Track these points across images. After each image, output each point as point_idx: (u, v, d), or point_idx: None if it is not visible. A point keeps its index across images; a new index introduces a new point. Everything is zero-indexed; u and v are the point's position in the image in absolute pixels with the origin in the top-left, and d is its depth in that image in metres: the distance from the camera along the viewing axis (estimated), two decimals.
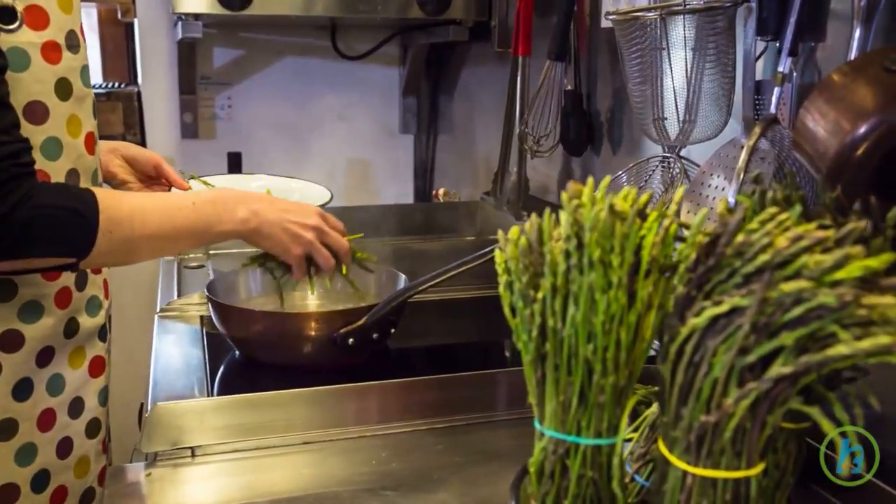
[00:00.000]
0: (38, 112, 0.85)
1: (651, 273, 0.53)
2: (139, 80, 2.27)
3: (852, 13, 0.80)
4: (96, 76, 2.43)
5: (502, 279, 0.57)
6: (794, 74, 0.91)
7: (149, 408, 0.90)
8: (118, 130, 2.19)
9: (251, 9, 1.78)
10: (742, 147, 0.94)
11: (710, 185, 1.00)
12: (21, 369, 0.89)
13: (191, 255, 1.58)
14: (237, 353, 1.15)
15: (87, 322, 0.96)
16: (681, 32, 1.03)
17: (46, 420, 0.93)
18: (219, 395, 1.02)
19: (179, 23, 1.87)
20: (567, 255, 0.53)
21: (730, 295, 0.48)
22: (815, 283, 0.46)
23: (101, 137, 0.99)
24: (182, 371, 1.07)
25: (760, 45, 0.97)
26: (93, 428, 0.99)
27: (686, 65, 1.04)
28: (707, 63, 1.02)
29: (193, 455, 0.88)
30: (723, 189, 0.98)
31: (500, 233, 0.59)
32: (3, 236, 0.78)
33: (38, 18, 0.84)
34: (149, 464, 0.86)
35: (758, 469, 0.51)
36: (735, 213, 0.51)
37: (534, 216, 0.56)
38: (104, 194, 0.85)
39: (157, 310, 1.29)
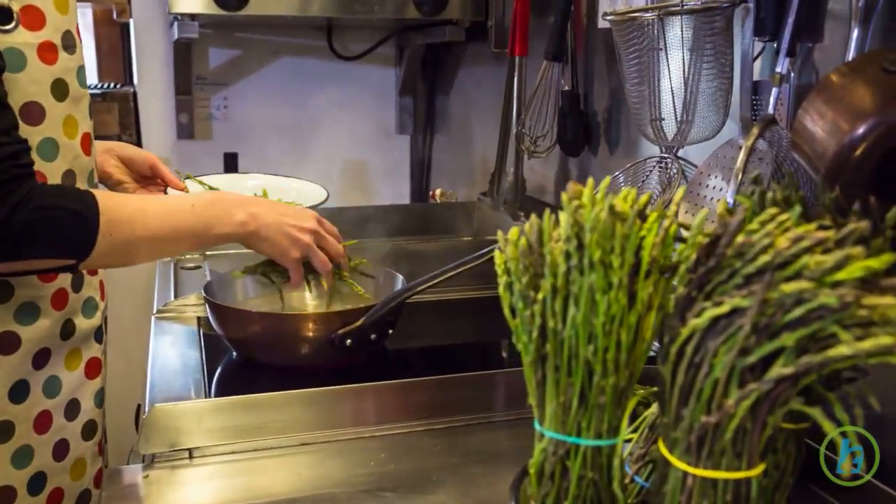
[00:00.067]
0: (34, 113, 0.85)
1: (651, 274, 0.53)
2: (135, 80, 2.26)
3: (850, 14, 0.80)
4: (91, 77, 2.42)
5: (502, 280, 0.56)
6: (792, 75, 0.91)
7: (146, 409, 0.90)
8: (114, 131, 2.18)
9: (247, 9, 1.77)
10: (740, 147, 0.94)
11: (707, 186, 1.00)
12: (17, 371, 0.89)
13: (187, 257, 1.58)
14: (234, 354, 1.15)
15: (83, 324, 0.96)
16: (678, 33, 1.03)
17: (43, 422, 0.92)
18: (216, 396, 1.01)
19: (175, 23, 1.87)
20: (567, 255, 0.53)
21: (730, 296, 0.48)
22: (816, 284, 0.46)
23: (97, 138, 0.98)
24: (179, 372, 1.07)
25: (758, 46, 0.97)
26: (89, 430, 0.98)
27: (683, 65, 1.04)
28: (704, 63, 1.02)
29: (191, 457, 0.88)
30: (720, 190, 0.98)
31: (499, 233, 0.59)
32: (2, 238, 0.78)
33: (34, 19, 0.84)
34: (146, 466, 0.86)
35: (758, 470, 0.51)
36: (735, 213, 0.51)
37: (533, 217, 0.56)
38: (104, 196, 0.85)
39: (154, 311, 1.29)
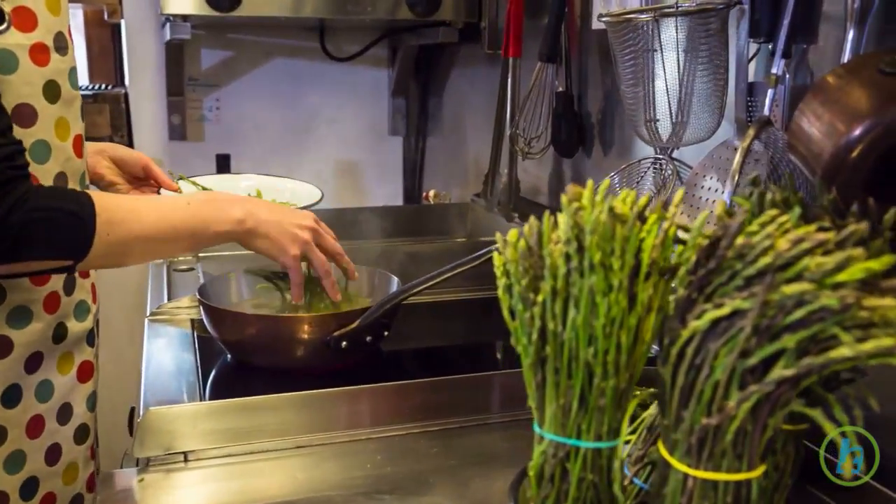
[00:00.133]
0: (26, 115, 0.84)
1: (651, 276, 0.53)
2: (126, 81, 2.25)
3: (846, 15, 0.80)
4: (82, 78, 2.41)
5: (501, 282, 0.56)
6: (787, 76, 0.91)
7: (141, 413, 0.89)
8: (105, 132, 2.17)
9: (240, 10, 1.77)
10: (735, 149, 0.94)
11: (703, 187, 1.00)
12: (9, 375, 0.88)
13: (180, 259, 1.57)
14: (229, 356, 1.14)
15: (75, 327, 0.95)
16: (673, 34, 1.03)
17: (35, 427, 0.91)
18: (211, 399, 1.01)
19: (168, 24, 1.86)
20: (567, 258, 0.53)
21: (731, 297, 0.48)
22: (817, 286, 0.46)
23: (88, 139, 0.98)
24: (174, 375, 1.06)
25: (752, 48, 0.97)
26: (81, 434, 0.97)
27: (678, 66, 1.04)
28: (699, 65, 1.02)
29: (186, 460, 0.87)
30: (716, 191, 0.98)
31: (498, 235, 0.58)
32: (0, 240, 0.77)
33: (25, 20, 0.84)
34: (141, 469, 0.85)
35: (759, 471, 0.51)
36: (735, 215, 0.51)
37: (532, 219, 0.56)
38: (100, 196, 0.85)
39: (148, 313, 1.28)
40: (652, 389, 0.72)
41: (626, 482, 0.65)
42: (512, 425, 0.96)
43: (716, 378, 0.49)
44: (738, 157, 0.88)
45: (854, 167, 0.68)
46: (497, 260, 0.57)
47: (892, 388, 0.59)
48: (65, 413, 0.95)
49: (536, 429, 0.57)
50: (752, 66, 0.99)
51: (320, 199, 1.34)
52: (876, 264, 0.45)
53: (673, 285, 0.54)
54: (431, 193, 2.10)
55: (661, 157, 1.17)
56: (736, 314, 0.48)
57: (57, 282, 0.92)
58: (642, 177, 1.20)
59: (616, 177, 1.22)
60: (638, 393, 0.72)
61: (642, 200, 0.55)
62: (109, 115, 2.18)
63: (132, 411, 1.17)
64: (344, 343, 1.06)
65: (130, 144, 2.19)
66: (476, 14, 1.87)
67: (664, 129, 1.10)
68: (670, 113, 1.07)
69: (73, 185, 0.91)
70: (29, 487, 0.91)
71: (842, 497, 0.74)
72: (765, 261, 0.47)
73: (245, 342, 1.10)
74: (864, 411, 0.49)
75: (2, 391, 0.88)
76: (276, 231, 1.00)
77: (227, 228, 0.96)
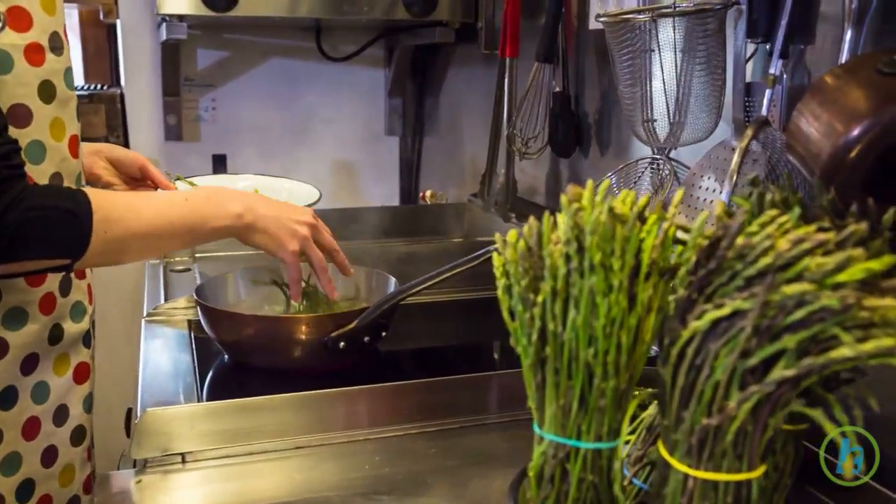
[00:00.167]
0: (21, 115, 0.84)
1: (651, 276, 0.53)
2: (122, 81, 2.25)
3: (843, 15, 0.81)
4: (77, 78, 2.40)
5: (501, 283, 0.56)
6: (785, 77, 0.91)
7: (138, 414, 0.89)
8: (101, 133, 2.16)
9: (236, 10, 1.76)
10: (732, 149, 0.94)
11: (700, 187, 1.01)
12: (5, 377, 0.88)
13: (176, 259, 1.57)
14: (226, 357, 1.14)
15: (71, 328, 0.95)
16: (671, 34, 1.03)
17: (31, 428, 0.91)
18: (209, 400, 1.00)
19: (164, 24, 1.85)
20: (567, 258, 0.53)
21: (731, 298, 0.48)
22: (818, 286, 0.46)
23: (84, 140, 0.97)
24: (171, 376, 1.06)
25: (750, 48, 0.98)
26: (78, 435, 0.97)
27: (676, 67, 1.04)
28: (697, 65, 1.02)
29: (184, 461, 0.87)
30: (714, 191, 0.98)
31: (497, 236, 0.58)
32: None
33: (20, 20, 0.83)
34: (138, 471, 0.85)
35: (759, 471, 0.51)
36: (735, 215, 0.51)
37: (532, 219, 0.56)
38: (96, 193, 0.84)
39: (144, 314, 1.28)
40: (650, 389, 0.72)
41: (625, 482, 0.65)
42: (510, 426, 0.96)
43: (716, 378, 0.49)
44: (736, 158, 0.88)
45: (852, 167, 0.68)
46: (496, 260, 0.57)
47: (892, 388, 0.59)
48: (61, 415, 0.94)
49: (536, 429, 0.57)
50: (749, 67, 0.99)
51: (318, 199, 1.34)
52: (876, 264, 0.46)
53: (672, 285, 0.54)
54: (428, 193, 2.10)
55: (658, 157, 1.17)
56: (736, 314, 0.48)
57: (52, 283, 0.91)
58: (639, 177, 1.20)
59: (613, 177, 1.22)
60: (637, 393, 0.72)
61: (642, 201, 0.55)
62: (105, 115, 2.17)
63: (129, 412, 1.17)
64: (342, 343, 1.06)
65: (126, 145, 2.19)
66: (472, 14, 1.87)
67: (662, 129, 1.10)
68: (668, 113, 1.07)
69: (68, 185, 0.91)
70: (25, 490, 0.91)
71: (841, 497, 0.75)
72: (765, 261, 0.47)
73: (242, 343, 1.09)
74: (863, 411, 0.49)
75: None
76: (274, 226, 0.99)
77: (226, 224, 0.95)
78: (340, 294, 1.14)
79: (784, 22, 0.89)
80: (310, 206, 1.27)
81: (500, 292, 0.56)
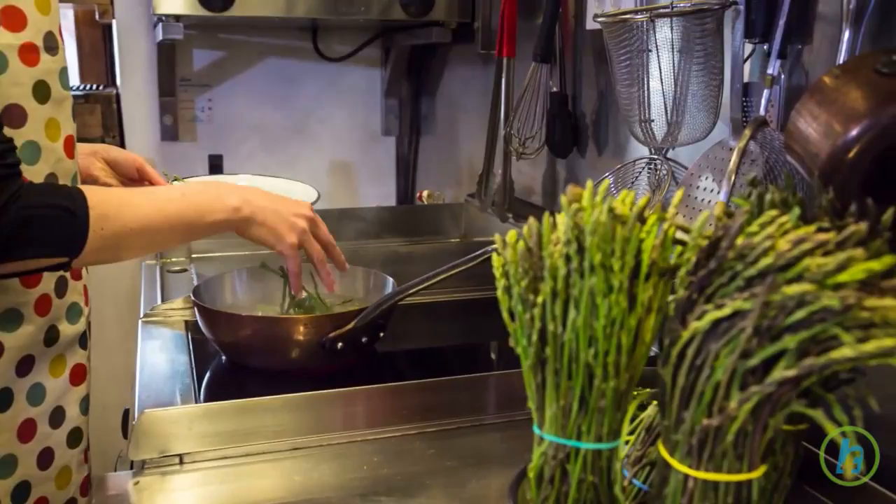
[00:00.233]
0: (15, 115, 0.83)
1: (651, 276, 0.53)
2: (118, 81, 2.24)
3: (841, 15, 0.81)
4: (73, 78, 2.40)
5: (500, 283, 0.56)
6: (782, 77, 0.91)
7: (136, 415, 0.89)
8: (97, 133, 2.16)
9: (232, 10, 1.76)
10: (730, 149, 0.94)
11: (698, 187, 1.01)
12: (0, 379, 0.87)
13: (173, 259, 1.56)
14: (224, 358, 1.14)
15: (67, 329, 0.94)
16: (669, 34, 1.03)
17: (27, 431, 0.90)
18: (206, 401, 1.00)
19: (160, 24, 1.85)
20: (567, 259, 0.53)
21: (732, 298, 0.48)
22: (818, 286, 0.46)
23: (80, 140, 0.97)
24: (168, 377, 1.06)
25: (748, 48, 0.98)
26: (74, 438, 0.96)
27: (674, 67, 1.04)
28: (695, 65, 1.02)
29: (182, 462, 0.87)
30: (712, 191, 0.98)
31: (497, 237, 0.58)
32: None
33: (14, 19, 0.83)
34: (136, 472, 0.85)
35: (759, 472, 0.51)
36: (735, 216, 0.51)
37: (532, 220, 0.56)
38: (92, 190, 0.84)
39: (141, 315, 1.28)
40: (648, 390, 0.71)
41: (624, 483, 0.65)
42: (508, 426, 0.96)
43: (717, 379, 0.49)
44: (734, 158, 0.88)
45: (851, 167, 0.68)
46: (496, 261, 0.57)
47: (893, 388, 0.59)
48: (57, 417, 0.94)
49: (536, 430, 0.56)
50: (747, 67, 0.99)
51: (317, 200, 1.34)
52: (877, 265, 0.46)
53: (672, 285, 0.54)
54: (425, 194, 2.09)
55: (655, 157, 1.17)
56: (737, 315, 0.48)
57: (48, 284, 0.91)
58: (637, 177, 1.20)
59: (610, 177, 1.22)
60: (637, 394, 0.72)
61: (642, 201, 0.55)
62: (101, 115, 2.17)
63: (126, 413, 1.17)
64: (339, 344, 1.05)
65: (122, 145, 2.18)
66: (469, 14, 1.86)
67: (659, 129, 1.10)
68: (665, 113, 1.07)
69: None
70: (20, 492, 0.90)
71: (841, 497, 0.75)
72: (766, 261, 0.47)
73: (240, 344, 1.09)
74: (863, 411, 0.49)
75: None
76: (273, 219, 0.98)
77: (223, 217, 0.94)
78: (339, 288, 1.13)
79: (782, 22, 0.89)
80: None
81: (499, 293, 0.56)
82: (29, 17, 0.84)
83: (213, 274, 1.26)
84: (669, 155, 1.15)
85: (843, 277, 0.46)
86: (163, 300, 1.34)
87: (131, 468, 0.87)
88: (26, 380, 0.90)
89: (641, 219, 0.54)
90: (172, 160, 2.22)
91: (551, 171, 1.62)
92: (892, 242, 0.54)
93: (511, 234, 0.57)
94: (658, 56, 1.05)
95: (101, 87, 2.32)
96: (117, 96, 2.20)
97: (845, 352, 0.45)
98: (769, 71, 0.90)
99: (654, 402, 0.69)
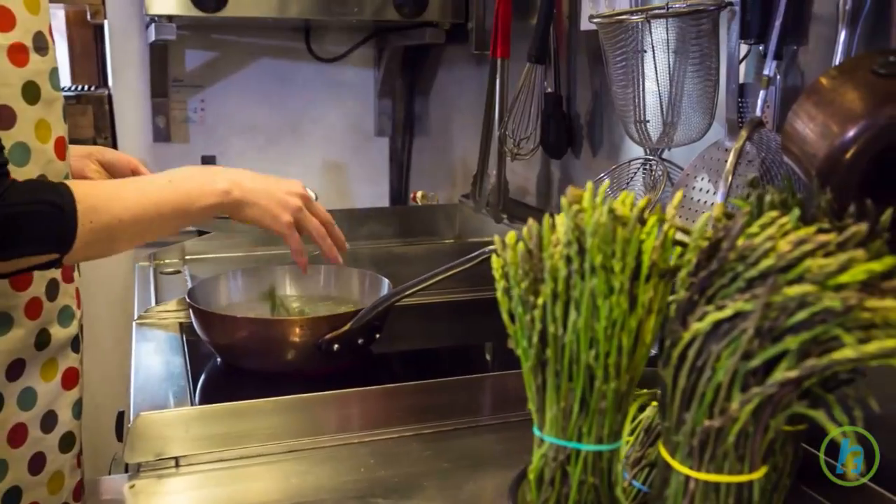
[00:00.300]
0: (4, 116, 0.82)
1: (651, 277, 0.53)
2: (109, 82, 2.23)
3: (837, 16, 0.81)
4: (64, 79, 2.38)
5: (500, 285, 0.56)
6: (778, 78, 0.92)
7: (131, 418, 0.88)
8: (88, 134, 2.14)
9: (225, 10, 1.75)
10: (726, 150, 0.94)
11: (694, 188, 1.01)
12: None
13: (167, 261, 1.55)
14: (219, 360, 1.13)
15: (59, 333, 0.93)
16: (664, 35, 1.03)
17: (18, 435, 0.89)
18: (202, 403, 1.00)
19: (152, 24, 1.84)
20: (568, 260, 0.52)
21: (733, 299, 0.48)
22: (819, 287, 0.46)
23: (71, 142, 0.96)
24: (163, 380, 1.05)
25: (743, 49, 0.98)
26: (66, 442, 0.96)
27: (669, 67, 1.04)
28: (690, 66, 1.03)
29: (177, 465, 0.86)
30: (708, 192, 0.99)
31: (496, 238, 0.58)
32: None
33: (3, 19, 0.82)
34: (132, 475, 0.84)
35: (760, 473, 0.51)
36: (736, 217, 0.51)
37: (531, 221, 0.56)
38: (78, 184, 0.82)
39: (135, 317, 1.27)
40: (646, 391, 0.71)
41: (624, 484, 0.65)
42: (504, 427, 0.96)
43: (718, 380, 0.49)
44: (731, 159, 0.88)
45: (848, 168, 0.68)
46: (495, 263, 0.56)
47: (893, 388, 0.59)
48: (49, 421, 0.93)
49: (537, 432, 0.56)
50: (742, 68, 0.99)
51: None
52: (878, 265, 0.46)
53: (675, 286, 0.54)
54: (419, 194, 2.09)
55: (651, 157, 1.17)
56: (738, 316, 0.48)
57: (39, 287, 0.90)
58: (632, 178, 1.20)
59: (606, 178, 1.22)
60: (638, 395, 0.72)
61: (642, 202, 0.55)
62: (93, 116, 2.15)
63: (120, 416, 1.16)
64: (335, 346, 1.05)
65: (114, 146, 2.17)
66: (463, 15, 1.86)
67: (655, 130, 1.10)
68: (661, 114, 1.07)
69: None
70: (12, 497, 0.89)
71: (840, 497, 0.75)
72: (767, 262, 0.47)
73: (235, 346, 1.09)
74: (863, 411, 0.49)
75: None
76: (265, 198, 0.96)
77: (214, 201, 0.92)
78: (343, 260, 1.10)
79: (777, 23, 0.89)
80: None
81: (499, 294, 0.56)
82: (18, 17, 0.83)
83: (206, 275, 1.25)
84: (664, 156, 1.15)
85: (844, 278, 0.46)
86: (157, 302, 1.33)
87: (126, 471, 0.86)
88: (17, 384, 0.89)
89: (641, 220, 0.54)
90: (165, 161, 2.21)
91: (546, 171, 1.62)
92: (892, 243, 0.54)
93: (511, 236, 0.57)
94: (654, 57, 1.05)
95: (92, 88, 2.30)
96: (109, 97, 2.19)
97: (847, 353, 0.45)
98: (765, 72, 0.90)
99: (653, 403, 0.69)
